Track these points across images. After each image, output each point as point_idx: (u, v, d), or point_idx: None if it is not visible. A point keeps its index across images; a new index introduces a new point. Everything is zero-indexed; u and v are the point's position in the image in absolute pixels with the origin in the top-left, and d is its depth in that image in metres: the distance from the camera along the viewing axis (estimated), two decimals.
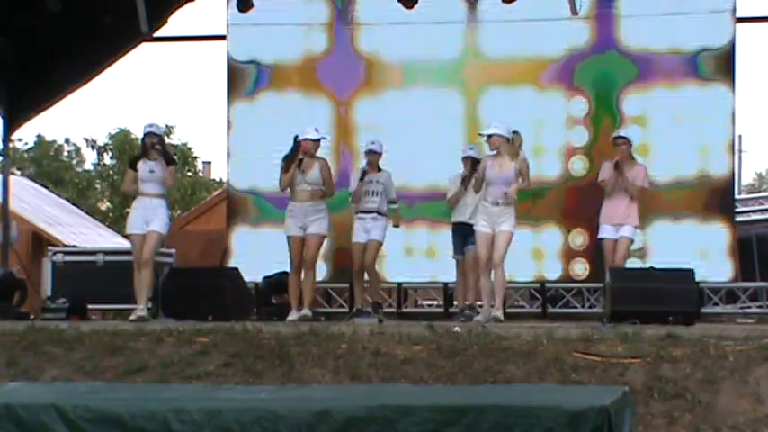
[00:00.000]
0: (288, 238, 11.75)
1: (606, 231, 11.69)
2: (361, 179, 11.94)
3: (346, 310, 13.19)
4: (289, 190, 11.80)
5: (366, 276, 12.14)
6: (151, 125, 12.02)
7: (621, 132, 11.74)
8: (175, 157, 12.13)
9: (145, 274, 11.57)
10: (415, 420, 5.92)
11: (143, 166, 11.80)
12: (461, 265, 12.16)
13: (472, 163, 11.87)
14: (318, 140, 11.77)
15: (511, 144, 11.15)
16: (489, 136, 11.19)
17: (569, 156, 13.64)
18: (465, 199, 11.99)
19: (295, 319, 11.17)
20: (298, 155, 11.64)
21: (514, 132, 11.20)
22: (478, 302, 11.59)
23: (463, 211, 12.04)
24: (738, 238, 13.96)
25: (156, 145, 11.81)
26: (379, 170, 12.07)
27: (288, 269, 12.19)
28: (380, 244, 11.98)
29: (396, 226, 12.16)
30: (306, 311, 11.56)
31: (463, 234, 11.96)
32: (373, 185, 12.00)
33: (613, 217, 11.65)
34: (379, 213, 11.98)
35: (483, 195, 11.24)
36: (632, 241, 11.68)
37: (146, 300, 11.59)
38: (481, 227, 11.13)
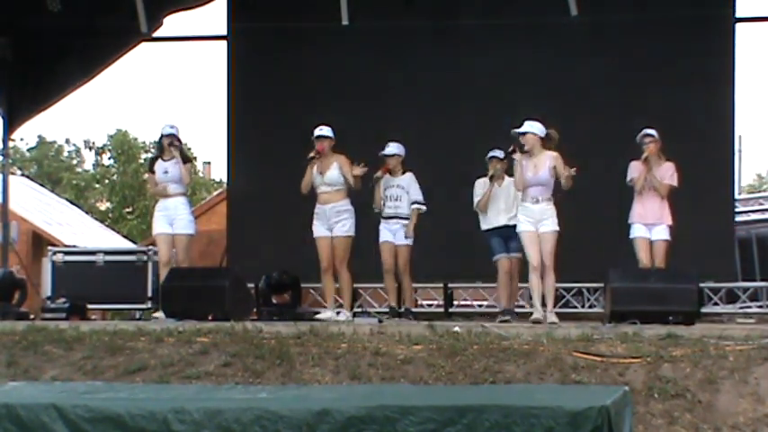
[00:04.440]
0: (315, 239, 11.73)
1: (639, 230, 11.62)
2: (375, 185, 11.86)
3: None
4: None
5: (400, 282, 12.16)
6: (172, 126, 12.14)
7: (648, 130, 11.67)
8: (190, 155, 12.19)
9: None
10: (415, 420, 5.92)
11: (158, 167, 12.01)
12: (505, 265, 11.92)
13: (498, 163, 11.79)
14: (327, 137, 11.73)
15: (549, 142, 11.08)
16: (523, 134, 11.12)
17: None
18: (498, 203, 11.86)
19: (326, 318, 11.16)
20: (311, 154, 11.64)
21: (549, 131, 11.12)
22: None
23: (496, 216, 11.88)
24: (738, 238, 13.96)
25: (173, 143, 11.93)
26: (404, 172, 11.96)
27: (287, 269, 12.21)
28: (410, 247, 11.89)
29: (407, 237, 11.99)
30: (344, 315, 11.56)
31: (503, 236, 11.81)
32: (393, 190, 11.89)
33: (646, 216, 11.58)
34: (403, 218, 11.88)
35: (521, 198, 11.22)
36: (669, 242, 11.64)
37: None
38: (524, 227, 11.05)
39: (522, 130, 11.10)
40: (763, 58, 61.51)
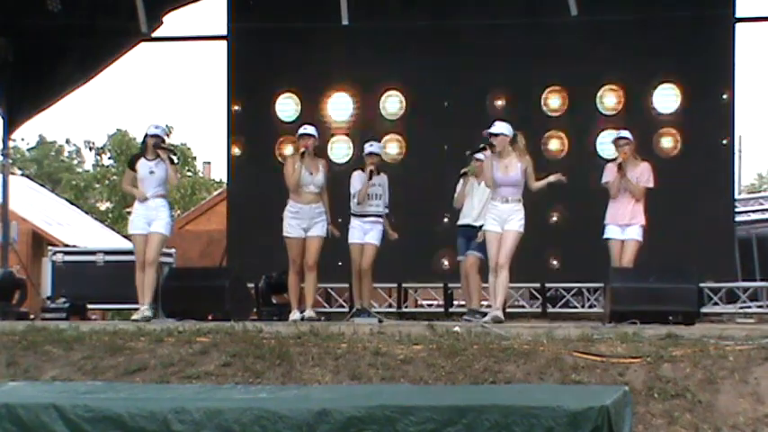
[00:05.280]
0: (289, 238, 11.72)
1: (612, 232, 11.67)
2: (368, 179, 11.84)
3: (346, 310, 13.18)
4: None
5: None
6: (157, 126, 12.02)
7: (623, 133, 11.71)
8: (174, 157, 12.05)
9: (149, 273, 11.58)
10: (414, 420, 5.93)
11: (142, 166, 11.78)
12: (464, 267, 12.09)
13: (476, 162, 11.81)
14: (312, 136, 11.76)
15: (515, 144, 11.14)
16: (495, 135, 11.15)
17: None
18: (471, 200, 11.91)
19: (297, 320, 11.15)
20: (301, 149, 11.66)
21: (515, 133, 11.19)
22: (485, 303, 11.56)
23: (469, 213, 11.94)
24: (738, 238, 13.96)
25: (160, 145, 11.80)
26: (379, 173, 12.01)
27: (287, 269, 12.18)
28: (377, 248, 11.88)
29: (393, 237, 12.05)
30: (310, 312, 11.57)
31: (467, 236, 11.88)
32: (375, 188, 11.91)
33: (618, 217, 11.61)
34: (379, 216, 11.93)
35: (490, 197, 11.24)
36: (640, 242, 11.66)
37: (150, 299, 11.60)
38: (490, 226, 11.09)
39: (495, 131, 11.15)
40: (763, 58, 61.58)
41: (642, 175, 11.65)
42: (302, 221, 11.65)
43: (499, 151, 11.11)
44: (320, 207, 11.70)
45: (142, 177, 11.74)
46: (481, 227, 11.36)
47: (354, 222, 11.92)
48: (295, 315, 11.50)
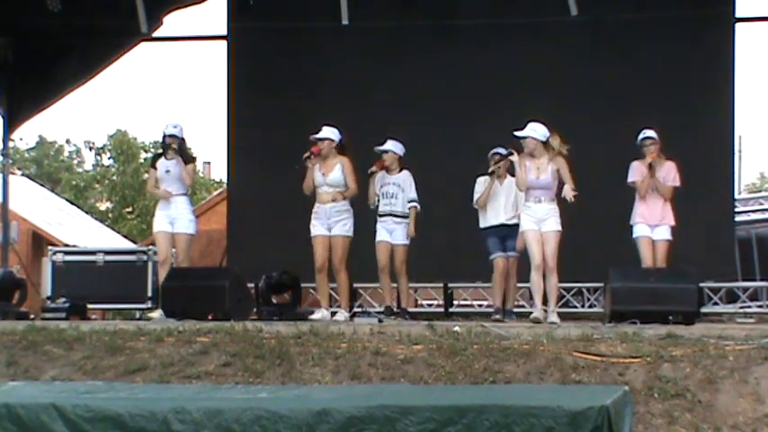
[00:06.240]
0: (312, 237, 11.69)
1: (642, 230, 11.60)
2: (369, 179, 11.80)
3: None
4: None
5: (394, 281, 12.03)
6: (175, 126, 12.14)
7: (648, 132, 11.65)
8: (191, 155, 12.14)
9: None
10: (414, 420, 5.94)
11: (161, 165, 12.06)
12: (500, 265, 11.92)
13: (500, 159, 11.75)
14: (326, 139, 11.72)
15: (549, 147, 11.07)
16: (524, 138, 11.11)
17: None
18: (498, 200, 11.86)
19: (319, 318, 11.14)
20: (306, 154, 11.64)
21: (551, 135, 11.08)
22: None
23: (497, 213, 11.88)
24: (738, 238, 13.95)
25: (172, 144, 11.93)
26: (401, 170, 11.90)
27: (287, 269, 12.19)
28: (406, 246, 11.81)
29: (408, 237, 11.85)
30: (340, 315, 11.54)
31: (500, 236, 11.82)
32: (389, 187, 11.82)
33: (649, 217, 11.57)
34: (398, 216, 11.84)
35: (523, 199, 11.22)
36: (671, 241, 11.65)
37: None
38: (527, 225, 11.04)
39: (522, 134, 11.10)
40: (763, 58, 61.61)
41: (669, 174, 11.61)
42: (322, 221, 11.65)
43: (531, 153, 11.09)
44: (342, 205, 11.62)
45: (160, 177, 12.07)
46: (516, 225, 11.34)
47: (378, 223, 11.86)
48: (318, 314, 11.38)
